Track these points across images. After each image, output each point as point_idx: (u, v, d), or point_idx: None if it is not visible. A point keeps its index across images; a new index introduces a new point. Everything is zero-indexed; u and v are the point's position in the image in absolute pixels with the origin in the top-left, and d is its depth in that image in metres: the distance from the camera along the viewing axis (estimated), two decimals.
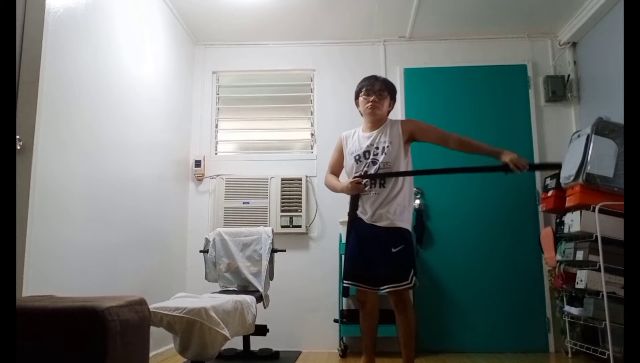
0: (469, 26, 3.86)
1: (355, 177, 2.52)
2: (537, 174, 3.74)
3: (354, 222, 2.54)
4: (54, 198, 2.18)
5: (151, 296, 2.29)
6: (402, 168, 2.50)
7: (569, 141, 3.29)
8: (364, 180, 2.49)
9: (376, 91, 2.57)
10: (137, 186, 2.99)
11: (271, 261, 3.23)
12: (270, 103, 4.10)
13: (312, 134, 4.01)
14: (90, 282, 2.43)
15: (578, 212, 2.93)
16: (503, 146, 2.45)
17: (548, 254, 3.32)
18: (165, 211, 3.44)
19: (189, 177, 3.91)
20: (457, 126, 2.59)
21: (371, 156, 2.53)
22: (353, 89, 2.70)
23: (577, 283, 2.92)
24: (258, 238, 3.26)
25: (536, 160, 3.73)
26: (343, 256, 2.72)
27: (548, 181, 3.49)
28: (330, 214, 3.79)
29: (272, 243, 3.24)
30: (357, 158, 2.57)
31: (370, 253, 2.46)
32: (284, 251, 3.38)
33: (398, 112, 3.72)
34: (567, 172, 3.04)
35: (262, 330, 3.14)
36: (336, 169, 2.73)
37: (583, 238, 2.95)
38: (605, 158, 2.87)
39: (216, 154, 4.03)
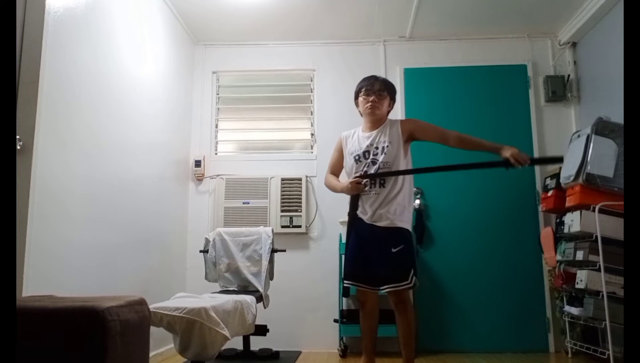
0: (469, 26, 3.86)
1: (355, 177, 2.52)
2: (537, 174, 3.74)
3: (354, 222, 2.53)
4: (54, 198, 2.18)
5: (151, 296, 2.29)
6: (402, 168, 2.49)
7: (569, 141, 3.28)
8: (364, 180, 2.49)
9: (376, 91, 2.57)
10: (137, 186, 2.99)
11: (271, 261, 3.23)
12: (270, 103, 4.10)
13: (312, 134, 4.01)
14: (90, 282, 2.43)
15: (578, 212, 2.93)
16: None
17: (548, 254, 3.32)
18: (165, 211, 3.44)
19: (189, 177, 3.91)
20: (457, 126, 2.58)
21: (371, 156, 2.52)
22: (353, 89, 2.69)
23: (577, 283, 2.92)
24: (258, 238, 3.26)
25: None
26: (343, 256, 2.72)
27: (548, 181, 3.49)
28: (330, 214, 3.79)
29: (272, 243, 3.24)
30: (356, 158, 2.56)
31: (370, 253, 2.45)
32: (284, 251, 3.38)
33: (398, 112, 3.72)
34: (567, 172, 3.04)
35: (262, 330, 3.14)
36: (336, 169, 2.73)
37: (583, 238, 2.95)
38: (605, 158, 2.87)
39: (216, 154, 4.03)
